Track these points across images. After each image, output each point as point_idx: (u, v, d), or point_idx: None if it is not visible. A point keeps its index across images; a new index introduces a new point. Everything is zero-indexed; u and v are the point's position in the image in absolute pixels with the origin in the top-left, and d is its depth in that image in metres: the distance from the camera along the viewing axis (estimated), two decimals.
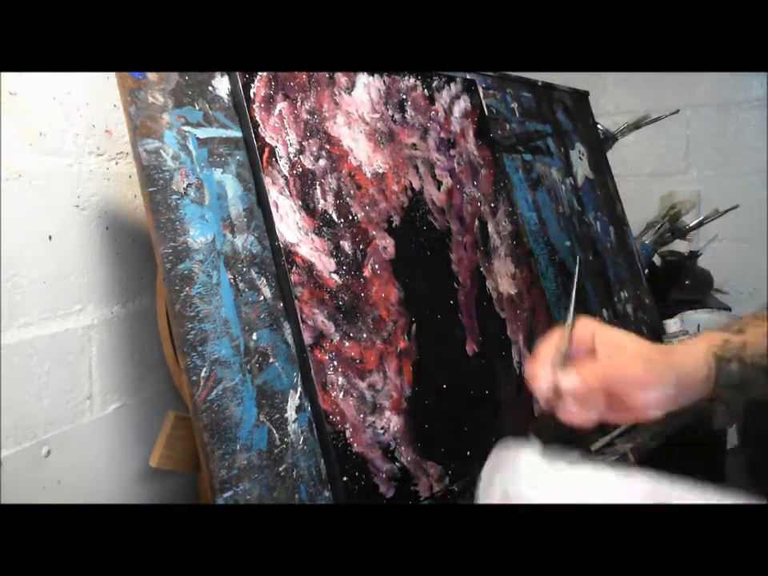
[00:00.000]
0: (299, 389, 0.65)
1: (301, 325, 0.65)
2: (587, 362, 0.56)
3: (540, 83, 1.17)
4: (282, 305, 0.66)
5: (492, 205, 0.92)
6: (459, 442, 0.75)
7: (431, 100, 0.88)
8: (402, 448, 0.69)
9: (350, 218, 0.73)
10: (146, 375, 0.84)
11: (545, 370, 0.57)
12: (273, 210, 0.66)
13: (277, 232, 0.66)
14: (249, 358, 0.62)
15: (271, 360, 0.64)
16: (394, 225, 0.77)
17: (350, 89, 0.78)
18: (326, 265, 0.69)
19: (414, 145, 0.83)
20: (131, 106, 0.60)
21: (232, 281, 0.63)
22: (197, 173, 0.63)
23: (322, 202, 0.71)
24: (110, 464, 0.79)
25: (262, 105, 0.68)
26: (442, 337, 0.78)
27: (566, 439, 0.88)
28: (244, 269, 0.64)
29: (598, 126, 1.34)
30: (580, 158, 1.21)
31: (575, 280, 0.68)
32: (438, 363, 0.76)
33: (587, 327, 0.60)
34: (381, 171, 0.78)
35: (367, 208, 0.75)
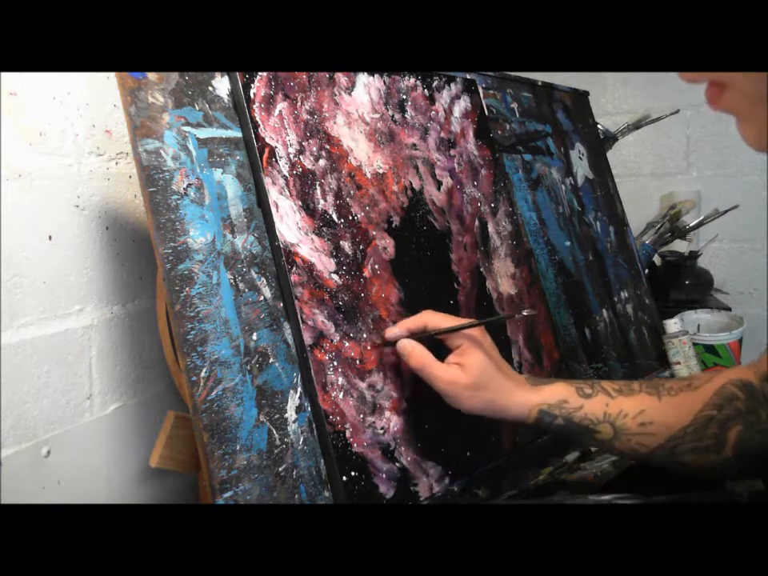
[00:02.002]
0: (299, 389, 0.65)
1: (301, 325, 0.65)
2: (426, 353, 0.66)
3: (540, 83, 1.17)
4: (282, 305, 0.66)
5: (492, 205, 0.92)
6: (459, 442, 0.75)
7: (431, 100, 0.88)
8: (402, 448, 0.69)
9: (350, 218, 0.73)
10: (146, 375, 0.84)
11: (398, 328, 0.69)
12: (273, 210, 0.66)
13: (277, 232, 0.66)
14: (249, 358, 0.62)
15: (271, 360, 0.64)
16: (393, 225, 0.77)
17: (350, 89, 0.78)
18: (326, 265, 0.69)
19: (414, 145, 0.83)
20: (131, 106, 0.60)
21: (232, 281, 0.63)
22: (197, 173, 0.63)
23: (321, 202, 0.71)
24: (110, 464, 0.79)
25: (262, 105, 0.68)
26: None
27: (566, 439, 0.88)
28: (244, 269, 0.64)
29: (598, 126, 1.33)
30: (580, 157, 1.21)
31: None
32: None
33: (465, 338, 0.67)
34: (381, 171, 0.78)
35: (367, 208, 0.75)
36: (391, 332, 0.69)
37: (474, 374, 0.65)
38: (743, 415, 0.60)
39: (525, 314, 0.71)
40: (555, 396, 0.66)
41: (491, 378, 0.66)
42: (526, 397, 0.66)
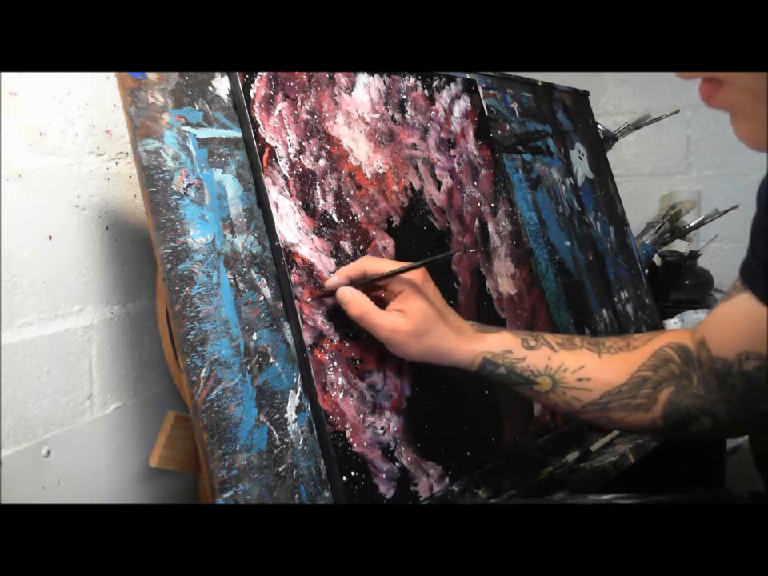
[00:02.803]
0: (299, 389, 0.65)
1: (301, 325, 0.65)
2: (367, 302, 0.64)
3: (540, 83, 1.17)
4: (282, 305, 0.66)
5: (492, 205, 0.92)
6: (459, 442, 0.75)
7: (431, 100, 0.88)
8: (402, 448, 0.69)
9: (350, 218, 0.73)
10: (146, 375, 0.84)
11: (340, 275, 0.66)
12: (273, 210, 0.66)
13: (277, 232, 0.66)
14: (249, 358, 0.62)
15: (271, 360, 0.64)
16: (393, 225, 0.77)
17: (350, 89, 0.78)
18: (326, 265, 0.69)
19: (414, 145, 0.83)
20: (131, 106, 0.60)
21: (232, 281, 0.63)
22: (197, 173, 0.63)
23: (322, 202, 0.71)
24: (110, 464, 0.79)
25: (262, 105, 0.68)
26: None
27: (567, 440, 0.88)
28: (244, 269, 0.64)
29: (598, 126, 1.33)
30: (580, 157, 1.21)
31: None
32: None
33: (407, 284, 0.65)
34: (381, 171, 0.78)
35: (367, 208, 0.75)
36: (330, 281, 0.66)
37: (415, 320, 0.63)
38: (676, 378, 0.61)
39: (458, 252, 0.73)
40: (500, 345, 0.65)
41: (434, 323, 0.64)
42: (471, 344, 0.66)
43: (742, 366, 0.56)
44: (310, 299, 0.66)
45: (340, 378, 0.66)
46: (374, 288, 0.67)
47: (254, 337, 0.63)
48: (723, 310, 0.60)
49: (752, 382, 0.56)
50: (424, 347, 0.64)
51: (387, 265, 0.66)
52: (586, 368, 0.63)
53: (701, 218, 1.51)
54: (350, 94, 0.78)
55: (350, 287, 0.65)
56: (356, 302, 0.64)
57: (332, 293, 0.66)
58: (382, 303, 0.67)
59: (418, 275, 0.66)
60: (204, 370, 0.58)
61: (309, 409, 0.65)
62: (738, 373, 0.56)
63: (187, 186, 0.62)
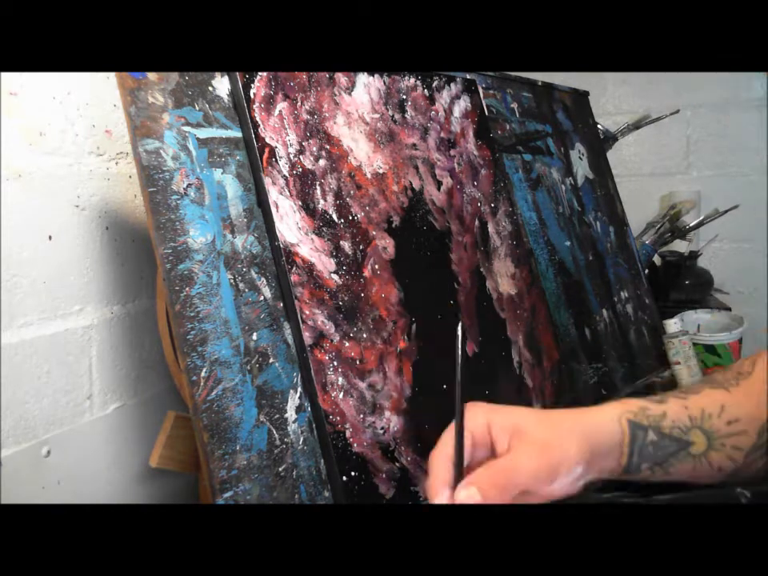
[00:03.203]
0: (299, 389, 0.65)
1: (301, 325, 0.65)
2: (483, 468, 0.48)
3: (540, 83, 1.17)
4: (282, 305, 0.66)
5: (492, 205, 0.92)
6: None
7: (431, 100, 0.88)
8: (402, 448, 0.69)
9: (350, 218, 0.73)
10: (146, 375, 0.84)
11: (441, 488, 0.48)
12: (273, 210, 0.66)
13: (277, 232, 0.66)
14: (249, 358, 0.62)
15: (271, 360, 0.64)
16: (393, 225, 0.77)
17: (350, 89, 0.78)
18: (326, 265, 0.69)
19: (414, 145, 0.83)
20: (131, 106, 0.60)
21: (232, 281, 0.63)
22: (197, 173, 0.63)
23: (321, 202, 0.71)
24: (110, 464, 0.79)
25: (262, 105, 0.68)
26: (441, 337, 0.78)
27: None
28: (244, 269, 0.64)
29: (598, 126, 1.34)
30: (580, 157, 1.21)
31: (458, 363, 0.52)
32: (438, 363, 0.76)
33: (479, 418, 0.51)
34: (381, 171, 0.78)
35: (367, 208, 0.75)
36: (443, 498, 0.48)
37: (522, 440, 0.49)
38: None
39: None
40: (631, 405, 0.53)
41: (546, 419, 0.51)
42: (602, 410, 0.52)
43: None
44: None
45: (340, 378, 0.66)
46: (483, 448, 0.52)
47: (254, 337, 0.63)
48: None
49: None
50: (572, 439, 0.49)
51: (447, 449, 0.50)
52: (727, 408, 0.53)
53: (701, 218, 1.51)
54: (349, 93, 0.78)
55: (466, 487, 0.47)
56: (483, 489, 0.47)
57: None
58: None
59: (482, 431, 0.51)
60: (204, 369, 0.58)
61: (309, 409, 0.65)
62: None
63: (187, 186, 0.62)
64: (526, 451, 0.48)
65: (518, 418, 0.50)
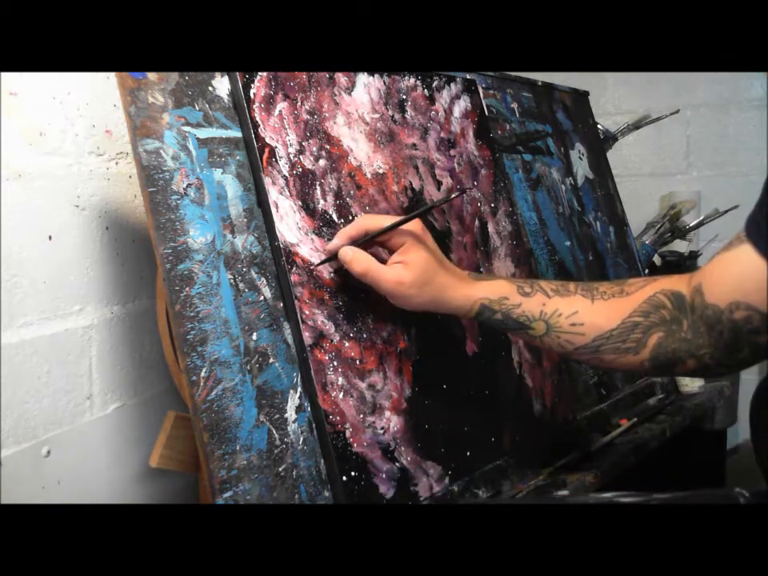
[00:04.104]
0: (299, 389, 0.65)
1: (301, 325, 0.65)
2: (368, 255, 0.66)
3: (540, 83, 1.17)
4: (282, 305, 0.66)
5: (492, 205, 0.92)
6: (459, 442, 0.75)
7: (431, 100, 0.88)
8: (402, 448, 0.69)
9: (350, 218, 0.73)
10: (146, 375, 0.84)
11: (343, 235, 0.68)
12: (273, 210, 0.66)
13: (277, 232, 0.66)
14: (249, 358, 0.62)
15: (271, 360, 0.64)
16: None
17: (350, 89, 0.78)
18: (326, 265, 0.69)
19: (414, 145, 0.83)
20: (131, 106, 0.60)
21: (232, 281, 0.63)
22: (197, 173, 0.63)
23: (322, 202, 0.71)
24: (110, 464, 0.79)
25: (262, 105, 0.68)
26: (441, 337, 0.78)
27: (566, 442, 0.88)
28: (244, 269, 0.64)
29: (598, 126, 1.33)
30: (580, 157, 1.21)
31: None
32: (438, 363, 0.76)
33: (407, 236, 0.67)
34: (381, 171, 0.78)
35: (367, 208, 0.75)
36: (331, 243, 0.68)
37: (417, 270, 0.66)
38: (666, 323, 0.62)
39: (454, 195, 0.76)
40: (496, 292, 0.67)
41: (434, 273, 0.67)
42: (469, 291, 0.68)
43: (732, 315, 0.58)
44: (313, 266, 0.68)
45: (340, 378, 0.66)
46: (376, 245, 0.69)
47: (254, 337, 0.63)
48: (722, 259, 0.61)
49: (738, 331, 0.58)
50: (426, 296, 0.66)
51: (386, 220, 0.68)
52: (579, 313, 0.65)
53: (701, 218, 1.51)
54: (350, 94, 0.78)
55: (351, 246, 0.67)
56: (359, 259, 0.66)
57: (334, 256, 0.68)
58: (382, 262, 0.69)
59: (416, 227, 0.68)
60: (204, 369, 0.58)
61: (309, 409, 0.65)
62: (727, 320, 0.58)
63: (187, 186, 0.62)
64: (395, 275, 0.66)
65: (416, 243, 0.67)
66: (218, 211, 0.64)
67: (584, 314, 0.66)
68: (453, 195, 0.74)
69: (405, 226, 0.67)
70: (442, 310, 0.69)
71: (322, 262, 0.68)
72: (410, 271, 0.65)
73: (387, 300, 0.68)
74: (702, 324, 0.61)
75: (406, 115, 0.83)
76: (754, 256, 0.57)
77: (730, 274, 0.60)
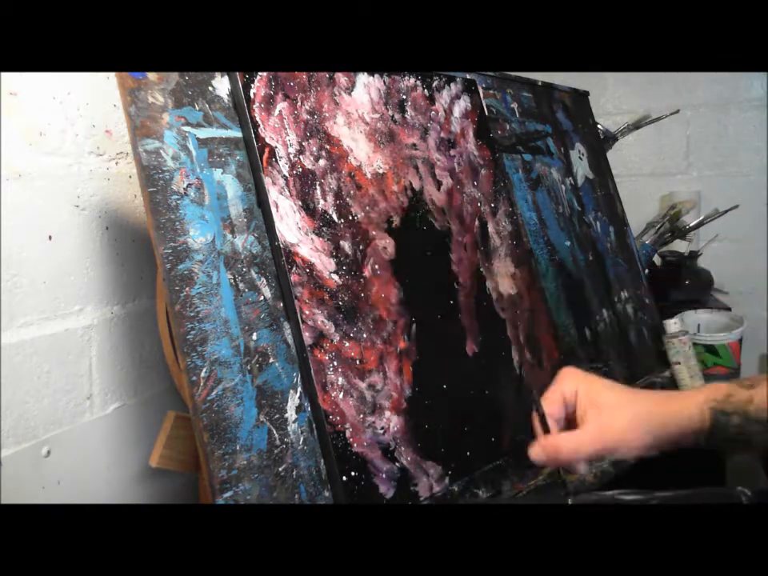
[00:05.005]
0: (299, 389, 0.65)
1: (301, 325, 0.65)
2: (550, 436, 0.60)
3: (540, 83, 1.17)
4: (282, 305, 0.66)
5: (492, 205, 0.92)
6: (459, 442, 0.75)
7: (431, 100, 0.88)
8: (402, 448, 0.69)
9: (350, 218, 0.73)
10: (146, 375, 0.84)
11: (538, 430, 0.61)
12: (273, 210, 0.66)
13: (277, 232, 0.66)
14: (249, 358, 0.62)
15: (271, 360, 0.64)
16: (393, 225, 0.77)
17: (350, 89, 0.78)
18: (326, 265, 0.69)
19: (414, 145, 0.83)
20: (131, 106, 0.60)
21: (232, 281, 0.63)
22: (197, 173, 0.63)
23: (321, 202, 0.71)
24: (110, 464, 0.79)
25: (262, 105, 0.68)
26: (441, 337, 0.78)
27: None
28: (244, 269, 0.64)
29: (598, 126, 1.33)
30: (580, 157, 1.21)
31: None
32: (438, 363, 0.76)
33: (571, 382, 0.61)
34: (381, 171, 0.78)
35: (367, 208, 0.75)
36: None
37: (602, 413, 0.56)
38: None
39: None
40: (718, 391, 0.56)
41: (633, 397, 0.58)
42: (687, 397, 0.56)
43: None
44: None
45: (340, 378, 0.66)
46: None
47: (254, 337, 0.63)
48: None
49: None
50: (637, 426, 0.56)
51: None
52: None
53: (701, 218, 1.51)
54: (350, 94, 0.78)
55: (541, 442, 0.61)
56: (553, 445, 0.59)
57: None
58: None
59: (571, 396, 0.61)
60: (204, 369, 0.58)
61: (309, 409, 0.65)
62: None
63: (187, 186, 0.62)
64: (589, 432, 0.57)
65: (599, 392, 0.58)
66: (218, 211, 0.64)
67: None
68: None
69: (560, 385, 0.61)
70: (664, 437, 0.56)
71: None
72: (622, 397, 0.56)
73: (387, 300, 0.68)
74: None
75: (405, 115, 0.83)
76: None
77: None
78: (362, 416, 0.67)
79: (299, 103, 0.72)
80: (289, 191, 0.68)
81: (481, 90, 0.97)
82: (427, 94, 0.87)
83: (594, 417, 0.57)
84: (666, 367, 1.17)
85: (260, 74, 0.69)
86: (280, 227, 0.66)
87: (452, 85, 0.91)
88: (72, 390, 0.75)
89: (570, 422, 0.62)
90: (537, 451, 0.60)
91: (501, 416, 0.81)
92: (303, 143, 0.71)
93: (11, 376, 0.68)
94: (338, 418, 0.65)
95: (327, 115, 0.74)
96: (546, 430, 0.61)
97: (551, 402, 0.62)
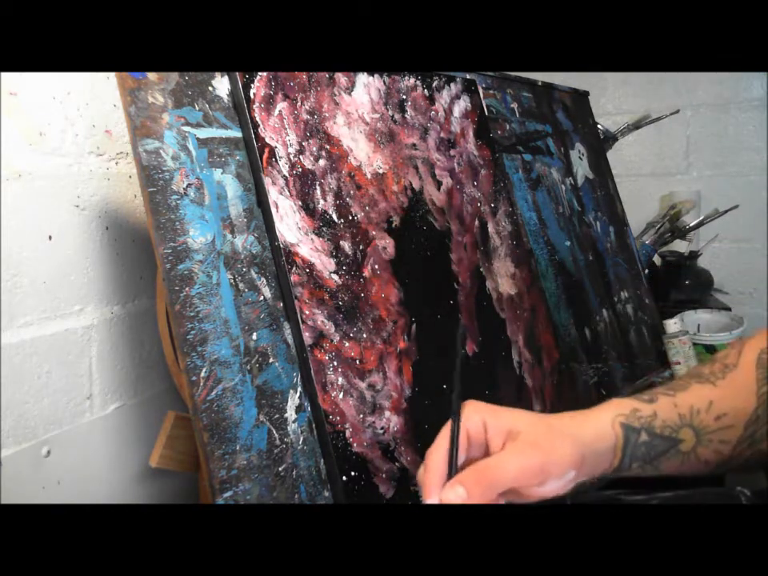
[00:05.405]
0: (299, 389, 0.65)
1: (301, 325, 0.65)
2: (471, 466, 0.47)
3: (540, 83, 1.17)
4: (281, 305, 0.66)
5: (492, 205, 0.92)
6: None
7: (431, 100, 0.88)
8: (402, 448, 0.69)
9: (350, 218, 0.73)
10: (146, 375, 0.84)
11: (434, 487, 0.48)
12: (273, 210, 0.66)
13: (277, 232, 0.66)
14: (249, 358, 0.62)
15: (271, 360, 0.64)
16: (393, 225, 0.77)
17: (350, 89, 0.78)
18: (325, 265, 0.69)
19: (414, 145, 0.83)
20: (131, 106, 0.60)
21: (232, 281, 0.63)
22: (197, 173, 0.63)
23: (321, 202, 0.71)
24: (110, 464, 0.79)
25: (262, 105, 0.68)
26: (441, 337, 0.78)
27: None
28: (244, 269, 0.64)
29: (598, 126, 1.34)
30: (580, 157, 1.21)
31: (457, 363, 0.51)
32: (438, 363, 0.76)
33: (476, 417, 0.50)
34: (381, 171, 0.78)
35: (367, 208, 0.75)
36: (430, 500, 0.48)
37: (530, 438, 0.48)
38: None
39: None
40: (623, 406, 0.53)
41: (540, 422, 0.50)
42: (597, 414, 0.52)
43: None
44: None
45: (340, 378, 0.66)
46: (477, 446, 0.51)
47: (254, 337, 0.63)
48: None
49: None
50: (562, 448, 0.49)
51: (440, 448, 0.49)
52: (716, 403, 0.54)
53: (701, 218, 1.51)
54: (349, 94, 0.78)
55: (453, 486, 0.46)
56: (472, 483, 0.46)
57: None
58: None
59: (478, 431, 0.50)
60: (204, 369, 0.58)
61: (309, 409, 0.65)
62: None
63: (187, 186, 0.62)
64: (515, 450, 0.48)
65: (512, 420, 0.50)
66: (218, 211, 0.64)
67: (720, 402, 0.54)
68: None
69: (468, 421, 0.50)
70: (591, 457, 0.50)
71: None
72: (520, 443, 0.48)
73: (387, 300, 0.68)
74: None
75: (405, 115, 0.83)
76: None
77: None
78: (361, 416, 0.67)
79: (299, 103, 0.72)
80: (289, 191, 0.68)
81: (481, 90, 0.97)
82: (427, 94, 0.87)
83: (517, 440, 0.49)
84: (666, 367, 1.17)
85: (260, 73, 0.69)
86: (280, 227, 0.66)
87: (452, 85, 0.91)
88: (72, 390, 0.75)
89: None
90: (470, 485, 0.46)
91: None
92: (303, 143, 0.71)
93: (11, 376, 0.68)
94: (338, 417, 0.65)
95: (327, 115, 0.74)
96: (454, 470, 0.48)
97: (440, 453, 0.48)
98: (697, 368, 0.59)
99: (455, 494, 0.46)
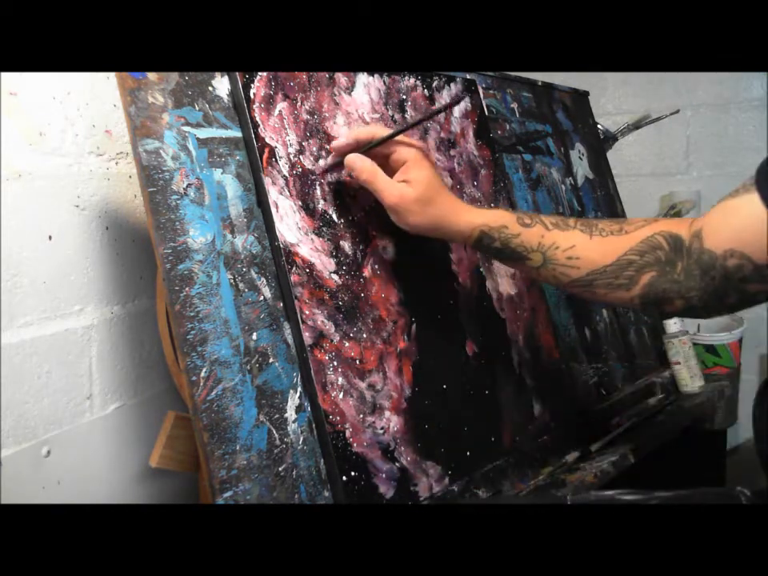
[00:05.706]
0: (299, 389, 0.65)
1: (301, 325, 0.65)
2: (372, 163, 0.68)
3: (540, 83, 1.17)
4: (281, 305, 0.66)
5: (492, 205, 0.92)
6: (459, 442, 0.75)
7: (431, 100, 0.88)
8: (402, 448, 0.69)
9: (350, 218, 0.73)
10: (146, 375, 0.84)
11: (342, 146, 0.70)
12: (273, 210, 0.66)
13: (277, 232, 0.66)
14: (249, 358, 0.62)
15: (271, 360, 0.64)
16: (394, 225, 0.77)
17: (350, 89, 0.78)
18: (325, 265, 0.69)
19: None
20: (131, 106, 0.60)
21: (232, 281, 0.63)
22: (197, 173, 0.63)
23: (321, 202, 0.71)
24: (110, 464, 0.79)
25: (262, 105, 0.68)
26: (441, 337, 0.78)
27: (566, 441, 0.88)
28: (244, 269, 0.64)
29: (598, 126, 1.33)
30: (580, 157, 1.21)
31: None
32: (438, 363, 0.76)
33: (411, 153, 0.69)
34: None
35: (367, 208, 0.75)
36: (338, 142, 0.70)
37: (421, 188, 0.67)
38: (661, 264, 0.63)
39: (453, 103, 0.81)
40: (497, 220, 0.69)
41: (437, 193, 0.68)
42: (470, 217, 0.69)
43: (725, 262, 0.59)
44: (319, 172, 0.70)
45: (340, 378, 0.66)
46: (379, 158, 0.70)
47: (254, 337, 0.63)
48: (725, 207, 0.61)
49: (729, 278, 0.59)
50: (428, 216, 0.68)
51: (389, 131, 0.70)
52: (576, 247, 0.67)
53: None
54: (349, 94, 0.78)
55: (359, 154, 0.68)
56: (365, 168, 0.68)
57: (339, 163, 0.70)
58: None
59: (420, 147, 0.70)
60: (204, 369, 0.58)
61: (309, 409, 0.65)
62: (721, 267, 0.59)
63: (187, 186, 0.62)
64: (397, 189, 0.67)
65: (423, 165, 0.68)
66: (218, 211, 0.64)
67: (581, 248, 0.67)
68: (452, 102, 0.79)
69: (408, 145, 0.69)
70: (440, 234, 0.70)
71: (328, 169, 0.71)
72: (413, 188, 0.67)
73: (387, 300, 0.68)
74: (697, 268, 0.61)
75: (405, 115, 0.83)
76: (757, 205, 0.57)
77: (731, 223, 0.60)
78: (361, 416, 0.67)
79: (299, 103, 0.72)
80: (289, 191, 0.68)
81: (481, 90, 0.97)
82: (427, 94, 0.87)
83: (416, 181, 0.67)
84: (665, 367, 1.17)
85: (260, 74, 0.69)
86: (280, 227, 0.66)
87: (452, 85, 0.91)
88: (72, 390, 0.75)
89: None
90: (357, 161, 0.68)
91: (501, 416, 0.81)
92: (303, 143, 0.71)
93: (11, 376, 0.68)
94: (338, 417, 0.65)
95: (327, 115, 0.74)
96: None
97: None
98: (605, 220, 0.69)
99: (351, 160, 0.68)
